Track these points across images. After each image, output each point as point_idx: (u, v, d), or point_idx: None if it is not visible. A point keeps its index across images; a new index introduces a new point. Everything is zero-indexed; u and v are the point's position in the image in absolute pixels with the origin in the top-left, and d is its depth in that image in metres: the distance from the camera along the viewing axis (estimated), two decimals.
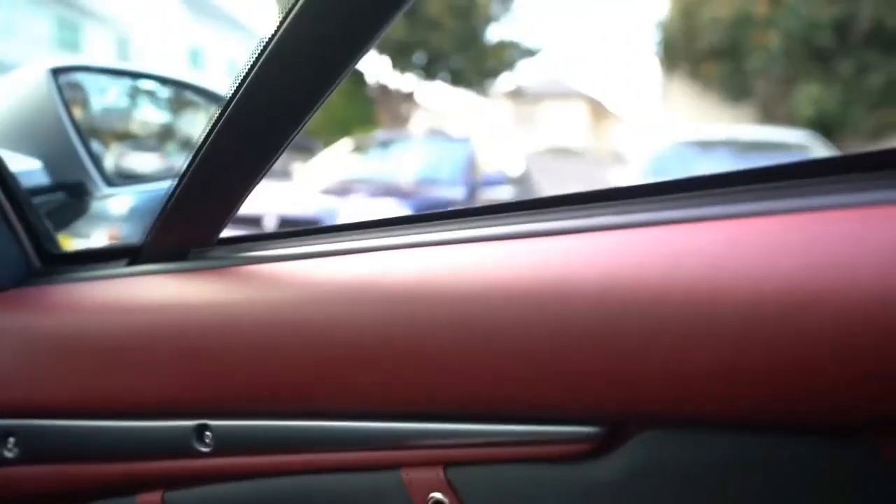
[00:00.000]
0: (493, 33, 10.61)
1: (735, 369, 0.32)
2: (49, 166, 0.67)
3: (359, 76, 12.46)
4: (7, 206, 0.56)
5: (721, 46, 6.37)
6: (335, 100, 11.72)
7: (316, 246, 0.49)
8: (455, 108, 24.75)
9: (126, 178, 0.96)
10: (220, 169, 0.48)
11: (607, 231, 0.38)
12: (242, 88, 0.43)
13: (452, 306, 0.39)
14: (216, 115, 0.45)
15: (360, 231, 0.50)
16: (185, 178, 0.49)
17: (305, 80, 0.42)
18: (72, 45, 17.36)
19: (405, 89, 11.14)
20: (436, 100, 21.93)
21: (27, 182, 0.62)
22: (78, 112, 0.83)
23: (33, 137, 0.68)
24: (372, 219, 0.50)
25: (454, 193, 4.49)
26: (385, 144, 5.66)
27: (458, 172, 4.76)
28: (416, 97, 11.66)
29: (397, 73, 10.98)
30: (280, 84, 0.43)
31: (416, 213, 0.50)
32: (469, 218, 0.46)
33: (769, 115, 6.94)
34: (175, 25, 19.28)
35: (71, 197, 0.69)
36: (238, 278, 0.49)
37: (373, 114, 11.70)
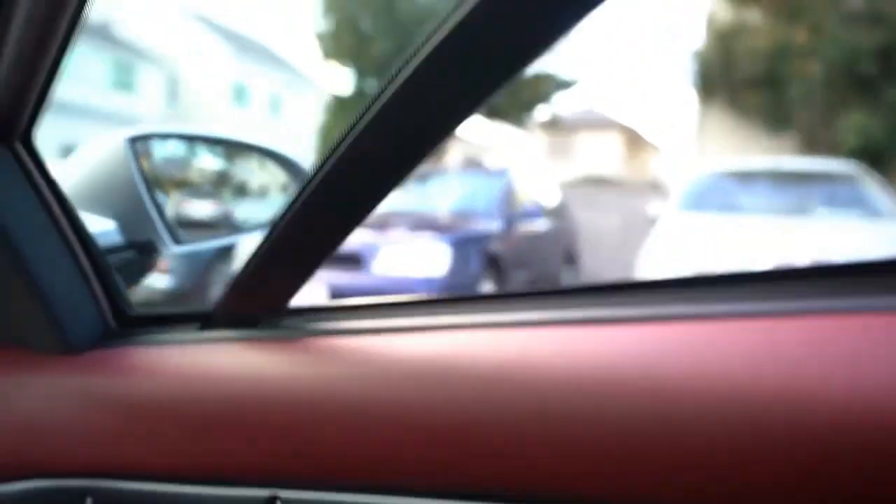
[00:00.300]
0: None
1: (729, 463, 0.34)
2: (122, 226, 0.71)
3: None
4: (87, 267, 0.57)
5: (760, 76, 6.32)
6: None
7: (385, 321, 0.49)
8: (492, 140, 24.97)
9: (187, 227, 1.02)
10: (297, 239, 0.48)
11: (648, 323, 0.40)
12: (332, 161, 0.43)
13: (523, 390, 0.40)
14: (302, 187, 0.46)
15: (432, 307, 0.51)
16: (263, 247, 0.49)
17: (397, 151, 0.42)
18: (126, 85, 18.30)
19: None
20: (473, 132, 22.21)
21: (103, 242, 0.65)
22: (144, 164, 0.90)
23: (110, 200, 0.72)
24: (444, 296, 0.51)
25: (491, 226, 4.54)
26: (422, 178, 5.77)
27: (494, 205, 4.81)
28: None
29: None
30: (370, 157, 0.43)
31: (488, 293, 0.50)
32: (540, 299, 0.47)
33: (811, 145, 6.81)
34: (221, 63, 20.12)
35: (141, 255, 0.72)
36: (308, 350, 0.49)
37: None
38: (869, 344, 0.33)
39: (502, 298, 0.50)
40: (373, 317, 0.51)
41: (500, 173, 5.45)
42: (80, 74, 16.28)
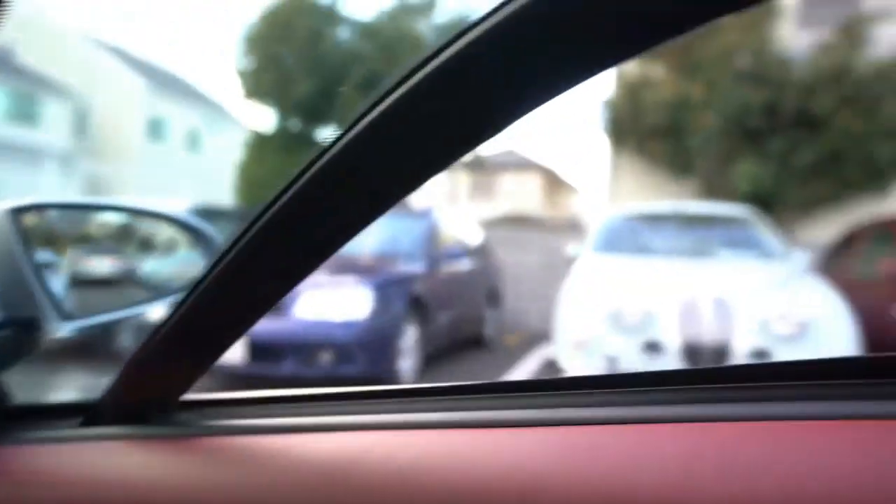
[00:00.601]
0: None
1: None
2: (1, 303, 0.65)
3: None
4: None
5: (664, 126, 6.82)
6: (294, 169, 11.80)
7: (284, 419, 0.46)
8: None
9: (87, 285, 0.94)
10: (198, 325, 0.45)
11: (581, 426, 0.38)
12: (244, 241, 0.39)
13: (419, 496, 0.37)
14: (208, 267, 0.42)
15: (335, 403, 0.47)
16: (157, 333, 0.45)
17: (319, 232, 0.39)
18: (27, 116, 17.15)
19: None
20: None
21: None
22: (33, 220, 0.83)
23: None
24: (349, 390, 0.47)
25: (415, 267, 4.55)
26: None
27: (418, 246, 4.83)
28: None
29: None
30: (287, 238, 0.39)
31: (399, 388, 0.48)
32: (456, 397, 0.44)
33: (711, 190, 7.36)
34: (134, 96, 19.31)
35: (22, 333, 0.66)
36: (200, 450, 0.45)
37: None
38: (740, 452, 0.32)
39: (410, 395, 0.48)
40: (272, 413, 0.48)
41: (424, 214, 5.50)
42: None
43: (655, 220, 4.86)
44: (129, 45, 20.04)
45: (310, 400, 0.48)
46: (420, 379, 4.36)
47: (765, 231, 4.43)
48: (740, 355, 3.13)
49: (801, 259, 4.04)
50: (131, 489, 0.45)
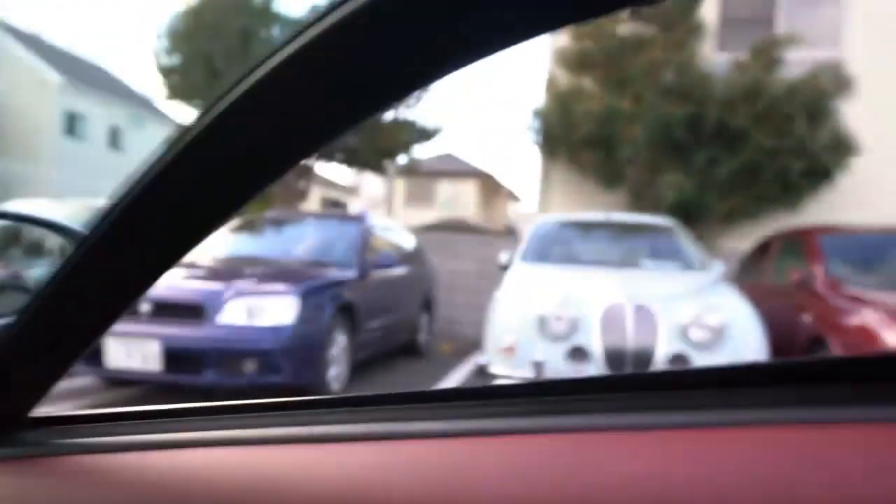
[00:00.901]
0: (388, 114, 11.01)
1: None
2: None
3: None
4: None
5: (595, 137, 7.01)
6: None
7: (145, 435, 0.43)
8: (350, 184, 24.97)
9: None
10: (47, 329, 0.41)
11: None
12: (96, 233, 0.36)
13: None
14: (52, 273, 0.39)
15: (201, 418, 0.45)
16: (2, 340, 0.42)
17: (183, 215, 0.36)
18: None
19: (301, 165, 11.15)
20: (333, 175, 22.10)
21: None
22: None
23: None
24: (215, 405, 0.45)
25: (346, 273, 4.47)
26: (276, 223, 5.57)
27: (350, 253, 4.75)
28: (313, 172, 11.67)
29: None
30: (146, 224, 0.36)
31: (273, 401, 0.45)
32: (335, 410, 0.42)
33: (639, 200, 7.62)
34: (50, 90, 18.12)
35: None
36: (53, 471, 0.42)
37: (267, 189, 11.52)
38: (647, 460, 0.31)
39: (301, 407, 0.45)
40: (133, 430, 0.44)
41: (357, 219, 5.42)
42: None
43: (585, 228, 4.98)
44: (43, 32, 18.67)
45: (174, 415, 0.46)
46: (349, 389, 4.28)
47: (686, 241, 4.62)
48: (661, 361, 3.24)
49: (718, 268, 4.24)
50: None
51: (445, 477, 0.33)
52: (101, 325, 0.42)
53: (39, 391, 0.44)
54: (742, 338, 3.30)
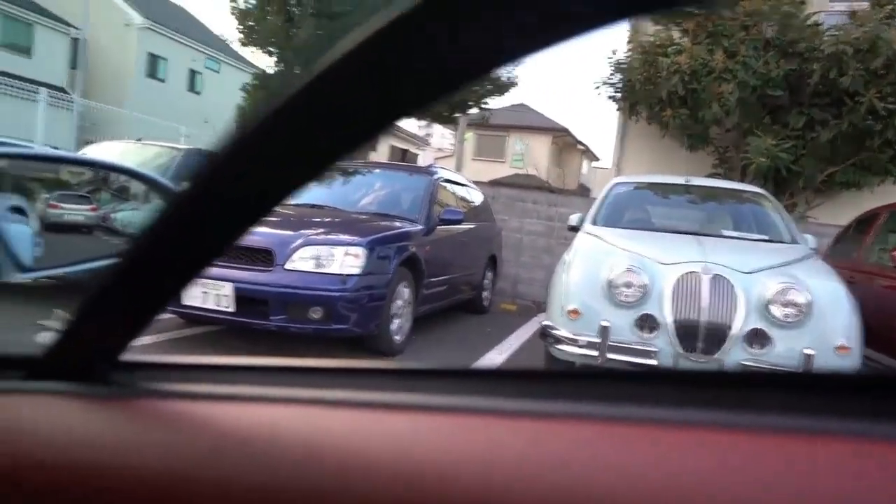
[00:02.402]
0: None
1: None
2: None
3: None
4: None
5: (680, 94, 6.56)
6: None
7: (224, 387, 0.46)
8: (421, 134, 24.86)
9: (58, 230, 0.97)
10: (137, 281, 0.45)
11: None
12: (190, 189, 0.39)
13: (358, 473, 0.37)
14: (145, 225, 0.42)
15: (274, 375, 0.47)
16: (98, 287, 0.45)
17: (270, 178, 0.38)
18: (23, 48, 16.73)
19: None
20: (403, 125, 22.03)
21: None
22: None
23: None
24: (289, 363, 0.48)
25: (413, 227, 4.45)
26: (346, 172, 5.60)
27: (418, 206, 4.72)
28: None
29: None
30: (235, 185, 0.39)
31: (345, 366, 0.47)
32: (405, 379, 0.44)
33: (723, 164, 7.17)
34: (133, 32, 18.77)
35: None
36: (137, 412, 0.46)
37: None
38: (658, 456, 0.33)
39: (353, 373, 0.47)
40: (210, 380, 0.48)
41: (426, 172, 5.37)
42: None
43: (663, 192, 4.73)
44: None
45: (248, 370, 0.49)
46: (411, 341, 4.32)
47: (775, 212, 4.30)
48: (737, 336, 3.06)
49: (810, 243, 3.93)
50: (70, 446, 0.45)
51: (503, 454, 0.35)
52: (192, 273, 0.45)
53: (131, 334, 0.48)
54: (830, 319, 3.06)
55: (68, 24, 17.66)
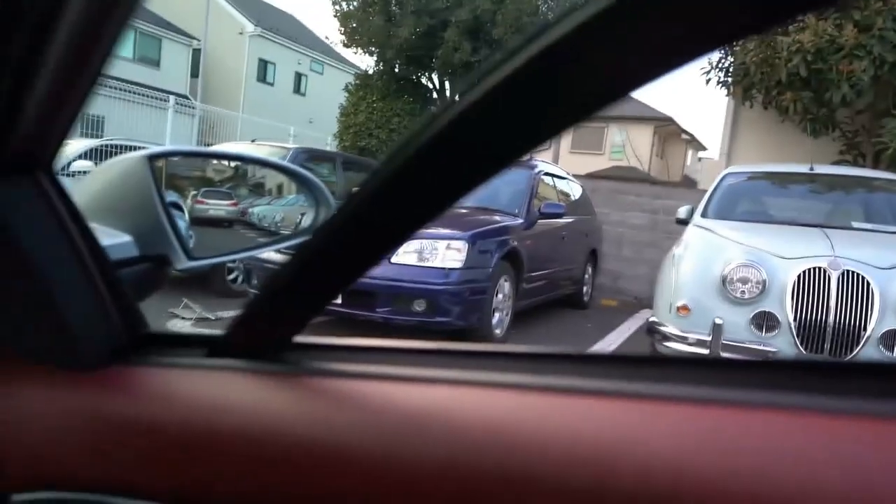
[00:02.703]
0: None
1: None
2: (139, 241, 0.74)
3: (423, 94, 12.62)
4: (100, 282, 0.58)
5: (802, 75, 6.05)
6: (400, 115, 11.90)
7: (387, 367, 0.49)
8: None
9: (203, 224, 1.06)
10: (313, 272, 0.49)
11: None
12: (362, 195, 0.42)
13: (524, 454, 0.39)
14: (329, 219, 0.47)
15: (428, 357, 0.51)
16: (277, 277, 0.50)
17: (434, 191, 0.41)
18: (152, 60, 18.33)
19: None
20: None
21: (119, 253, 0.69)
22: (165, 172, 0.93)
23: (128, 215, 0.76)
24: (441, 346, 0.51)
25: (514, 221, 4.44)
26: None
27: (518, 200, 4.71)
28: None
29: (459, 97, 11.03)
30: (404, 193, 0.42)
31: (488, 349, 0.50)
32: (542, 362, 0.46)
33: (852, 150, 6.54)
34: (245, 39, 19.99)
35: (155, 268, 0.76)
36: (306, 388, 0.50)
37: None
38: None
39: (497, 356, 0.50)
40: (376, 361, 0.51)
41: (526, 166, 5.33)
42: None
43: (781, 181, 4.40)
44: None
45: (406, 352, 0.52)
46: (510, 335, 4.32)
47: None
48: (872, 338, 2.81)
49: None
50: (246, 417, 0.49)
51: (606, 434, 0.37)
52: (360, 268, 0.48)
53: (304, 318, 0.52)
54: None
55: (190, 36, 19.20)
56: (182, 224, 0.92)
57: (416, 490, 0.42)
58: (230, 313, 4.22)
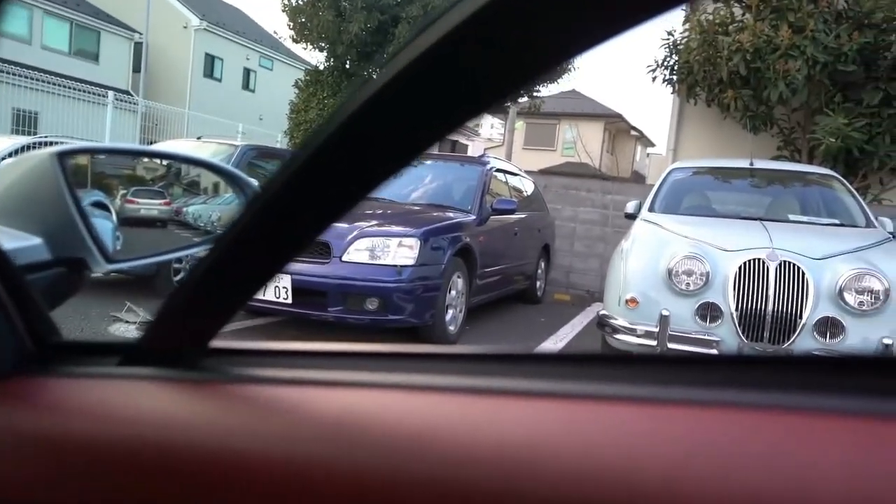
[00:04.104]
0: None
1: None
2: (51, 243, 0.70)
3: None
4: (2, 292, 0.54)
5: (742, 74, 6.27)
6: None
7: (307, 372, 0.47)
8: (471, 124, 24.77)
9: (133, 225, 1.01)
10: (226, 273, 0.47)
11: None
12: (274, 188, 0.40)
13: (443, 458, 0.37)
14: (235, 219, 0.44)
15: (352, 360, 0.49)
16: (190, 279, 0.47)
17: (352, 175, 0.40)
18: (90, 54, 17.56)
19: None
20: None
21: (27, 257, 0.65)
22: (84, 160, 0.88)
23: (37, 216, 0.72)
24: (367, 349, 0.49)
25: (466, 217, 4.45)
26: None
27: (470, 197, 4.71)
28: None
29: None
30: (318, 182, 0.40)
31: (419, 351, 0.49)
32: (471, 363, 0.45)
33: (789, 145, 6.82)
34: (190, 34, 19.37)
35: (69, 272, 0.72)
36: (226, 396, 0.47)
37: None
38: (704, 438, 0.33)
39: (427, 358, 0.48)
40: (298, 365, 0.49)
41: (477, 163, 5.35)
42: (38, 38, 15.58)
43: (724, 176, 4.55)
44: None
45: (329, 356, 0.50)
46: (464, 332, 4.33)
47: (847, 194, 4.08)
48: (806, 325, 2.93)
49: (886, 227, 3.71)
50: (160, 429, 0.47)
51: (543, 435, 0.35)
52: (276, 266, 0.46)
53: (219, 322, 0.49)
54: None
55: (131, 30, 18.45)
56: (107, 224, 0.87)
57: (341, 499, 0.40)
58: None
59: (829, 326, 2.92)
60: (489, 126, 23.73)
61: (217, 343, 0.51)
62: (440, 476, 0.37)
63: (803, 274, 2.98)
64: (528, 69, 0.33)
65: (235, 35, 20.87)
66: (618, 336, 3.22)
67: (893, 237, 3.65)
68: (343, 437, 0.41)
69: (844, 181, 4.25)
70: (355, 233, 3.77)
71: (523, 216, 5.52)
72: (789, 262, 3.01)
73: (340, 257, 3.69)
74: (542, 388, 0.40)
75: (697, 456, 0.32)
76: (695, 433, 0.33)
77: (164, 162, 1.19)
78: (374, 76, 0.36)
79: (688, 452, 0.32)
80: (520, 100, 11.26)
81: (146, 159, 1.16)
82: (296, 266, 3.66)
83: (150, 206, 1.09)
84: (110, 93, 10.51)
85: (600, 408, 0.37)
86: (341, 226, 3.86)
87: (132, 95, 14.45)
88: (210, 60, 19.99)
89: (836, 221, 3.84)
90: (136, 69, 17.58)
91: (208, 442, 0.45)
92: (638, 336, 3.15)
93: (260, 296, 3.66)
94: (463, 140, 24.54)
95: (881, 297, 2.87)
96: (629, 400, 0.36)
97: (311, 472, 0.41)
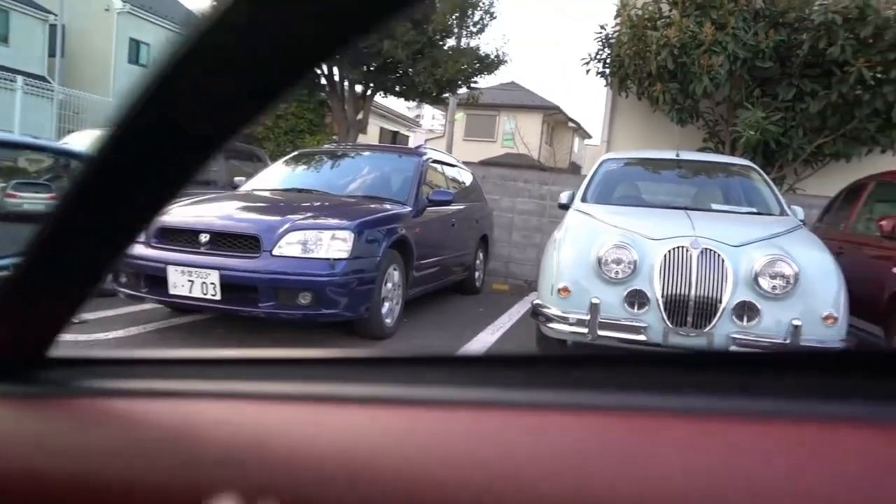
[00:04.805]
0: (450, 44, 10.62)
1: None
2: None
3: (312, 80, 12.24)
4: None
5: (669, 68, 6.49)
6: (287, 102, 11.46)
7: (158, 381, 0.44)
8: (411, 116, 24.65)
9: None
10: (58, 261, 0.41)
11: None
12: (99, 156, 0.36)
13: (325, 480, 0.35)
14: (65, 193, 0.39)
15: (213, 368, 0.46)
16: (17, 273, 0.41)
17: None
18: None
19: (358, 96, 11.02)
20: (392, 107, 21.83)
21: None
22: None
23: None
24: (227, 356, 0.45)
25: (403, 209, 4.41)
26: (333, 156, 5.54)
27: (406, 188, 4.68)
28: (370, 105, 11.53)
29: (349, 82, 10.82)
30: (150, 146, 0.36)
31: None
32: (329, 368, 0.43)
33: (713, 137, 7.12)
34: (112, 17, 18.39)
35: None
36: (69, 411, 0.43)
37: (324, 121, 11.49)
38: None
39: (288, 364, 0.45)
40: (145, 375, 0.45)
41: (414, 154, 5.31)
42: None
43: (652, 167, 4.70)
44: None
45: (180, 364, 0.47)
46: (402, 324, 4.31)
47: (764, 184, 4.29)
48: (726, 310, 3.06)
49: (798, 215, 3.92)
50: None
51: (446, 446, 0.33)
52: (111, 256, 0.42)
53: (55, 328, 0.45)
54: (818, 290, 3.06)
55: (45, 10, 17.30)
56: None
57: None
58: (97, 315, 3.87)
59: (745, 310, 3.06)
60: (430, 117, 23.68)
61: (57, 353, 0.47)
62: (283, 486, 0.35)
63: (723, 261, 3.11)
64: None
65: (163, 19, 19.90)
66: (551, 325, 3.28)
67: (803, 224, 3.87)
68: (191, 450, 0.38)
69: (762, 172, 4.47)
70: (287, 226, 3.67)
71: (461, 207, 5.53)
72: (710, 250, 3.14)
73: (271, 251, 3.59)
74: (362, 394, 0.38)
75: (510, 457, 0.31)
76: (501, 434, 0.33)
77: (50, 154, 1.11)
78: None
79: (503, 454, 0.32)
80: (459, 91, 11.26)
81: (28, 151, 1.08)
82: (224, 261, 3.53)
83: (34, 201, 1.02)
84: (19, 77, 9.83)
85: (419, 413, 0.36)
86: (272, 219, 3.75)
87: (48, 81, 13.57)
88: (135, 46, 19.01)
89: (754, 210, 4.03)
90: (53, 53, 16.53)
91: (46, 463, 0.41)
92: (570, 324, 3.21)
93: (186, 293, 3.51)
94: (404, 131, 24.39)
95: (791, 281, 3.04)
96: (450, 404, 0.36)
97: (153, 491, 0.38)
